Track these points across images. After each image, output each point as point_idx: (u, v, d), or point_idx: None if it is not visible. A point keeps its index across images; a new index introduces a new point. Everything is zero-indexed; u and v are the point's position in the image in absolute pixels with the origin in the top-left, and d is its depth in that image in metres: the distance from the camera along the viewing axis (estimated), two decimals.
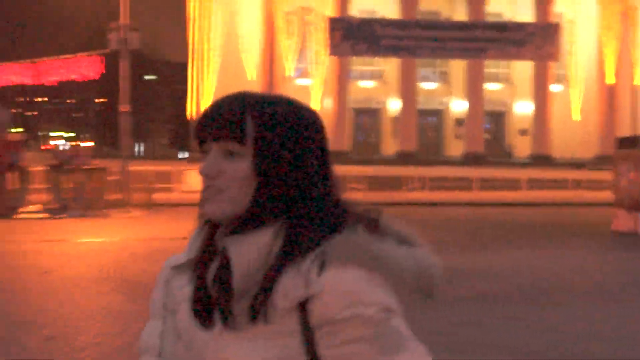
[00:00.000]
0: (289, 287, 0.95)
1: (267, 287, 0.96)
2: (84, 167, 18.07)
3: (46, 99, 45.85)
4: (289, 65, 36.17)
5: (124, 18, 20.53)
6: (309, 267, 0.95)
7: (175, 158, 41.83)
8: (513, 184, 26.54)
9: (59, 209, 17.01)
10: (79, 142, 32.90)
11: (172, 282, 1.10)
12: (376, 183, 23.95)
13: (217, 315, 1.00)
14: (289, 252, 0.97)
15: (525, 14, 36.91)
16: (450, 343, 5.41)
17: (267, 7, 35.97)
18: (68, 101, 46.43)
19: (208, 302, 1.00)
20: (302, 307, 0.95)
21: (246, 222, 1.00)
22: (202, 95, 34.07)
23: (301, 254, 0.96)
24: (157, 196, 19.76)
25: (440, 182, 26.53)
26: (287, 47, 35.85)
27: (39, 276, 8.89)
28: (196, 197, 1.10)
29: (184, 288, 1.05)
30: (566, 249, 11.87)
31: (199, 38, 35.50)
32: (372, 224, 1.01)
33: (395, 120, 38.64)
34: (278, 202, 1.00)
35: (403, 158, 33.79)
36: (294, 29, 35.89)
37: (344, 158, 29.20)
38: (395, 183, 25.46)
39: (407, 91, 37.06)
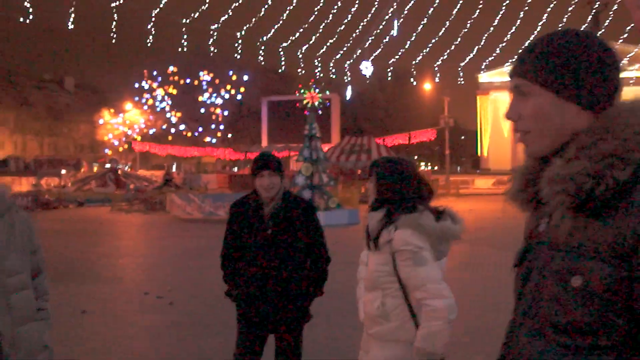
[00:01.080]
0: (385, 236, 2.74)
1: (377, 235, 2.81)
2: (429, 178, 42.20)
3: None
4: None
5: (446, 112, 44.58)
6: (391, 228, 2.73)
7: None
8: None
9: None
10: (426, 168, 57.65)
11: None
12: None
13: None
14: (387, 222, 2.76)
15: None
16: None
17: None
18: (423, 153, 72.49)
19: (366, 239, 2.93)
20: (389, 243, 2.71)
21: (374, 206, 2.85)
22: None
23: (389, 223, 2.72)
24: (462, 191, 42.23)
25: None
26: None
27: None
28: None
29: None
30: None
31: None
32: (434, 210, 2.77)
33: None
34: (388, 199, 2.79)
35: None
36: None
37: None
38: None
39: None
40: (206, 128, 59.89)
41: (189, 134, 59.85)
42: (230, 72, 56.88)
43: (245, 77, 57.23)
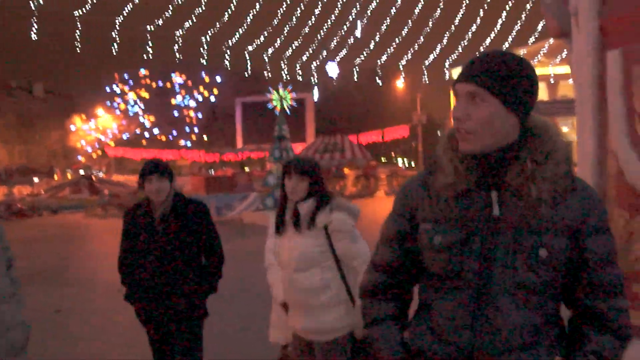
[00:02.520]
0: (322, 218, 3.24)
1: (313, 217, 3.27)
2: (403, 174, 42.44)
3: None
4: None
5: (419, 109, 45.02)
6: (327, 211, 3.25)
7: None
8: None
9: (391, 192, 40.91)
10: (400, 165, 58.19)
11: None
12: None
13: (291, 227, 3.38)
14: (320, 207, 3.27)
15: None
16: None
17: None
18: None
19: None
20: (325, 226, 3.26)
21: (306, 198, 3.29)
22: None
23: (323, 207, 3.25)
24: None
25: None
26: None
27: None
28: None
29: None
30: None
31: None
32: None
33: None
34: (317, 191, 3.32)
35: None
36: None
37: None
38: None
39: None
40: (180, 131, 59.64)
41: (164, 138, 59.54)
42: (203, 74, 56.73)
43: (218, 79, 57.13)
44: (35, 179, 40.71)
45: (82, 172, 46.55)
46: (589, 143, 3.92)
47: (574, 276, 1.72)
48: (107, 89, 58.22)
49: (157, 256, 3.66)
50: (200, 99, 58.81)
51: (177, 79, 58.07)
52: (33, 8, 38.04)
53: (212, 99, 58.44)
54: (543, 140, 1.70)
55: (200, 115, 59.44)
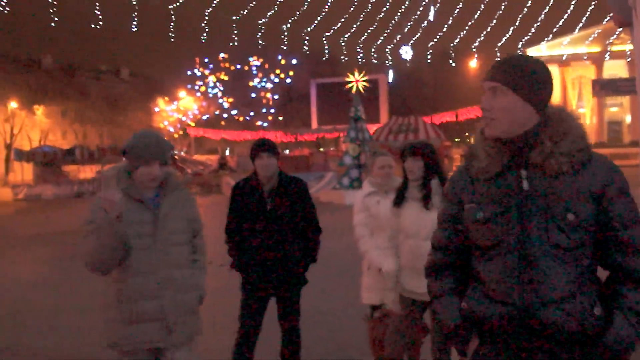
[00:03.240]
0: (436, 198, 3.54)
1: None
2: None
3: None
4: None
5: None
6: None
7: None
8: None
9: None
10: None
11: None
12: None
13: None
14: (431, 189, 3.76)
15: None
16: None
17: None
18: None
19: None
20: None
21: (425, 177, 3.75)
22: None
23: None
24: None
25: None
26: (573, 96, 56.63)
27: None
28: None
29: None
30: None
31: None
32: None
33: None
34: (435, 171, 3.78)
35: None
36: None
37: None
38: None
39: None
40: (257, 112, 61.34)
41: (241, 119, 61.43)
42: (279, 57, 58.05)
43: (294, 61, 58.32)
44: (124, 159, 43.10)
45: None
46: None
47: (605, 237, 1.95)
48: (189, 72, 60.54)
49: (266, 228, 3.94)
50: (276, 80, 60.24)
51: (255, 62, 59.66)
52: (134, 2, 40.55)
53: (288, 80, 59.69)
54: (558, 123, 2.00)
55: (276, 97, 60.97)
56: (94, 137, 66.51)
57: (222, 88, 60.79)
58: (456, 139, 58.83)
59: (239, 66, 59.72)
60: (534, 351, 1.96)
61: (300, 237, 4.10)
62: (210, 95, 61.12)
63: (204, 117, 61.03)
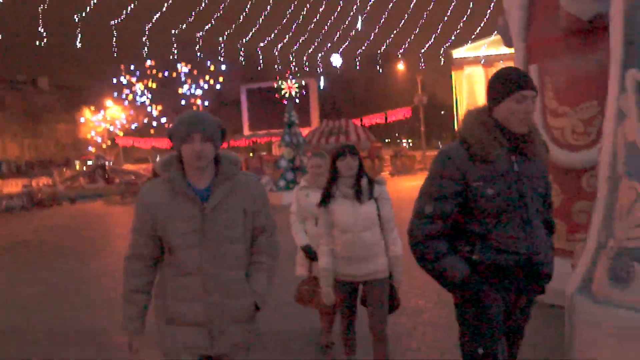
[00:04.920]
0: (377, 190, 4.12)
1: (370, 190, 4.10)
2: (407, 154, 43.48)
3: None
4: None
5: (419, 90, 46.05)
6: (377, 185, 4.14)
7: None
8: None
9: (396, 173, 41.70)
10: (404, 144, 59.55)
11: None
12: None
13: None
14: (371, 182, 4.15)
15: None
16: None
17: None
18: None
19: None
20: (379, 195, 4.11)
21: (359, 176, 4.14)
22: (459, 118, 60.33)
23: (372, 182, 4.15)
24: None
25: None
26: None
27: None
28: None
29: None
30: None
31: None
32: None
33: None
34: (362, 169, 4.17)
35: None
36: None
37: None
38: None
39: None
40: None
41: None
42: (208, 63, 57.66)
43: (223, 67, 58.08)
44: (54, 171, 41.97)
45: (89, 162, 47.59)
46: None
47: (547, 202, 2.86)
48: (114, 81, 59.29)
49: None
50: (206, 87, 59.80)
51: (183, 68, 59.03)
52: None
53: (218, 87, 59.41)
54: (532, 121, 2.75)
55: (206, 103, 60.59)
56: (14, 150, 64.18)
57: (150, 96, 59.82)
58: (386, 140, 60.25)
59: (166, 73, 58.85)
60: (527, 288, 2.69)
61: None
62: (138, 103, 60.04)
63: (133, 126, 59.91)
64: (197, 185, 2.71)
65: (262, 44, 53.79)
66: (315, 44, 69.86)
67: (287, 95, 19.55)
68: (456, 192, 2.62)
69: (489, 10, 53.53)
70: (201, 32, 48.47)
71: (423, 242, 2.68)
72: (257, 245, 2.87)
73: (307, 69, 55.47)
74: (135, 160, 57.13)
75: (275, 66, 54.98)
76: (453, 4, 54.77)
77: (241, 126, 52.58)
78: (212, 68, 58.05)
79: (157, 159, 59.20)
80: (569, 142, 5.09)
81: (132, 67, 58.86)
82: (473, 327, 2.65)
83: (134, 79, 59.32)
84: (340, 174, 4.11)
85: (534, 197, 2.65)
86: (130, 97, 59.73)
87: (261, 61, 55.08)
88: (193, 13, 49.23)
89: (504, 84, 2.61)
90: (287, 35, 62.86)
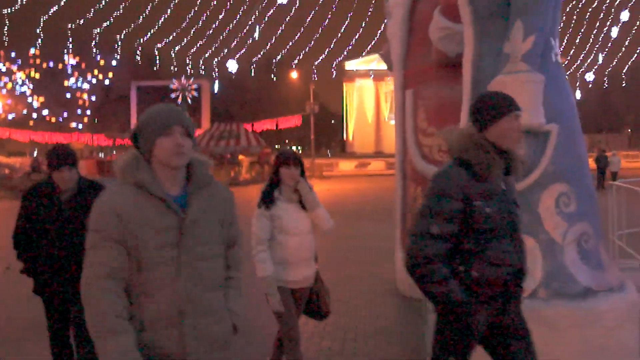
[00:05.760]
0: (312, 197, 4.08)
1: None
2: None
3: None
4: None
5: (312, 99, 47.29)
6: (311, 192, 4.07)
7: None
8: None
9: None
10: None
11: None
12: None
13: None
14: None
15: None
16: None
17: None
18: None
19: None
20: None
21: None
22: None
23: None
24: (326, 173, 45.08)
25: None
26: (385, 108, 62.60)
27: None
28: None
29: None
30: None
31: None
32: None
33: None
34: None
35: None
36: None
37: None
38: None
39: None
40: (72, 113, 58.23)
41: (53, 120, 57.89)
42: (98, 57, 55.73)
43: (114, 62, 56.37)
44: None
45: None
46: (398, 142, 6.26)
47: None
48: None
49: (62, 233, 3.87)
50: (94, 81, 57.67)
51: (71, 60, 56.57)
52: None
53: (107, 82, 57.48)
54: None
55: (93, 98, 58.40)
56: None
57: (32, 86, 56.72)
58: (276, 146, 61.00)
59: (52, 64, 56.10)
60: (515, 293, 2.84)
61: None
62: (18, 92, 56.73)
63: (10, 117, 56.55)
64: (170, 192, 2.33)
65: (159, 45, 53.26)
66: (213, 49, 70.11)
67: (181, 95, 19.51)
68: (460, 211, 2.69)
69: (379, 31, 56.28)
70: (99, 29, 47.20)
71: (427, 264, 2.69)
72: (230, 259, 2.57)
73: (203, 72, 55.49)
74: (9, 153, 53.92)
75: (172, 67, 54.62)
76: (347, 22, 56.98)
77: (128, 123, 51.32)
78: (102, 62, 56.13)
79: (35, 153, 56.32)
80: (436, 159, 5.93)
81: (12, 55, 55.59)
82: (453, 339, 2.78)
83: (14, 67, 56.01)
84: (283, 181, 4.08)
85: (517, 212, 2.85)
86: (10, 85, 56.34)
87: (157, 60, 54.45)
88: (92, 10, 47.89)
89: (496, 107, 2.76)
90: (185, 39, 62.68)
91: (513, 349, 2.82)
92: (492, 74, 4.09)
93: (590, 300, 4.10)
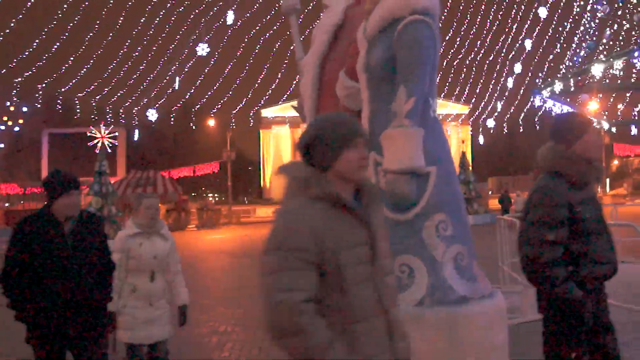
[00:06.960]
0: None
1: None
2: (213, 208, 44.34)
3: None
4: None
5: (228, 146, 47.77)
6: None
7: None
8: None
9: (202, 226, 37.49)
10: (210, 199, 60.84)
11: None
12: None
13: None
14: None
15: None
16: None
17: None
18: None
19: None
20: None
21: None
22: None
23: None
24: (243, 219, 45.20)
25: None
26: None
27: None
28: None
29: None
30: None
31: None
32: None
33: None
34: None
35: None
36: None
37: None
38: None
39: None
40: None
41: None
42: (8, 104, 53.94)
43: (25, 109, 54.71)
44: None
45: None
46: None
47: None
48: None
49: (66, 268, 3.54)
50: (2, 128, 55.58)
51: None
52: None
53: (16, 129, 55.58)
54: None
55: (1, 145, 56.17)
56: None
57: None
58: (193, 194, 60.63)
59: None
60: (602, 291, 3.16)
61: (102, 277, 3.82)
62: None
63: None
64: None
65: (80, 95, 53.46)
66: (133, 98, 70.77)
67: (99, 143, 19.68)
68: (567, 218, 2.98)
69: (294, 81, 58.49)
70: (20, 78, 47.04)
71: (548, 268, 2.98)
72: None
73: (123, 121, 55.53)
74: None
75: (93, 117, 54.44)
76: (264, 72, 59.01)
77: (39, 172, 49.77)
78: (12, 108, 54.41)
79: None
80: None
81: None
82: (568, 334, 3.02)
83: None
84: None
85: (604, 214, 3.13)
86: None
87: (78, 109, 54.01)
88: (15, 60, 47.45)
89: (582, 123, 3.10)
90: (106, 89, 62.94)
91: (608, 339, 3.16)
92: (384, 128, 5.06)
93: (466, 306, 5.04)
